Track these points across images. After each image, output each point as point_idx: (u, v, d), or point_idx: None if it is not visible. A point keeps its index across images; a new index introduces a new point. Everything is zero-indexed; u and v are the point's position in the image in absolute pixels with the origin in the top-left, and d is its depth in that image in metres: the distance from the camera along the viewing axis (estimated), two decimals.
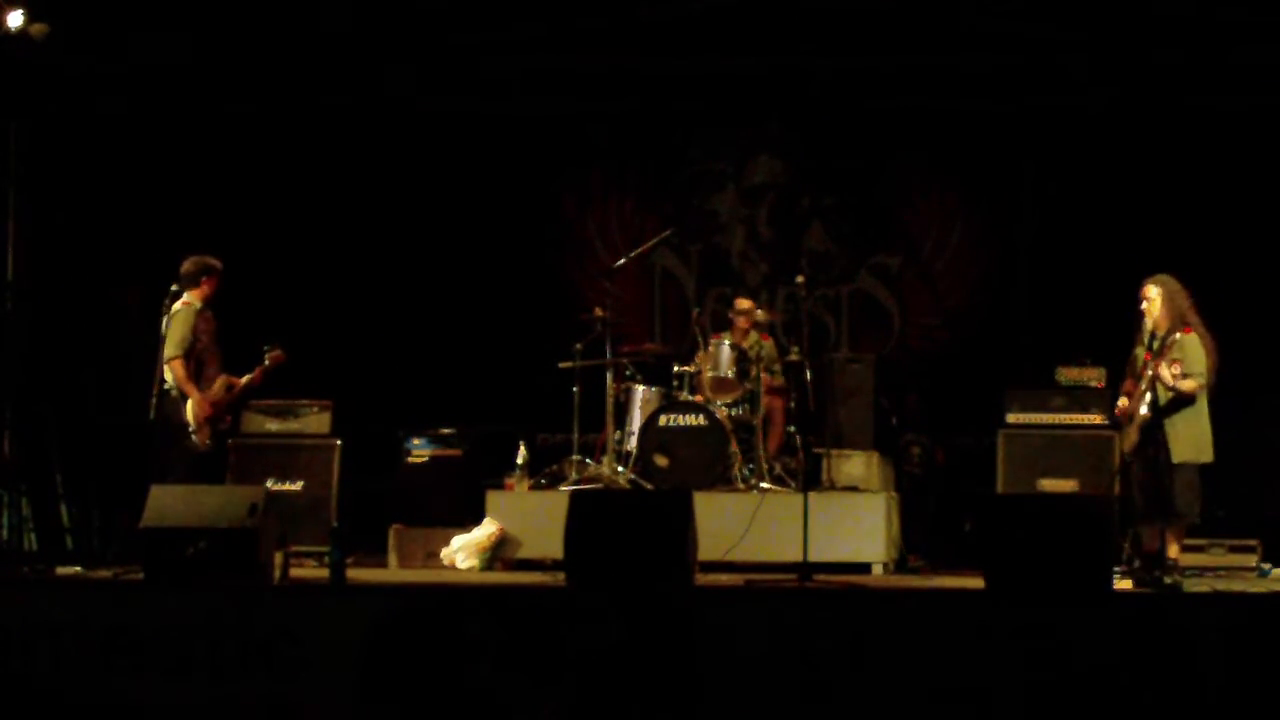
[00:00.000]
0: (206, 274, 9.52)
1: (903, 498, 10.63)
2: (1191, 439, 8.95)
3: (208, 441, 9.40)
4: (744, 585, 8.54)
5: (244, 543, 7.84)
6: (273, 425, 10.67)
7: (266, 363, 9.66)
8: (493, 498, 10.35)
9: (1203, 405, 8.98)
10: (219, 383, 9.48)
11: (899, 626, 7.03)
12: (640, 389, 10.72)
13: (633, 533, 7.80)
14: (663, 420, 10.36)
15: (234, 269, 9.87)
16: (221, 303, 9.60)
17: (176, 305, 9.44)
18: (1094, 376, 10.44)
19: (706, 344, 10.82)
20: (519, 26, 12.03)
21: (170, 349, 9.34)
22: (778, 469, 10.58)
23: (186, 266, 9.53)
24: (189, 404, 9.36)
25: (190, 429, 9.34)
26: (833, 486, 10.36)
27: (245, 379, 9.63)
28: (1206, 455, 8.99)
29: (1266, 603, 7.44)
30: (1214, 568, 9.78)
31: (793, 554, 8.83)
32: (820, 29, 11.94)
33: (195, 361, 9.42)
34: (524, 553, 10.03)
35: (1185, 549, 9.24)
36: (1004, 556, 7.52)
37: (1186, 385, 8.88)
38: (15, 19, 10.14)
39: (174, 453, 9.35)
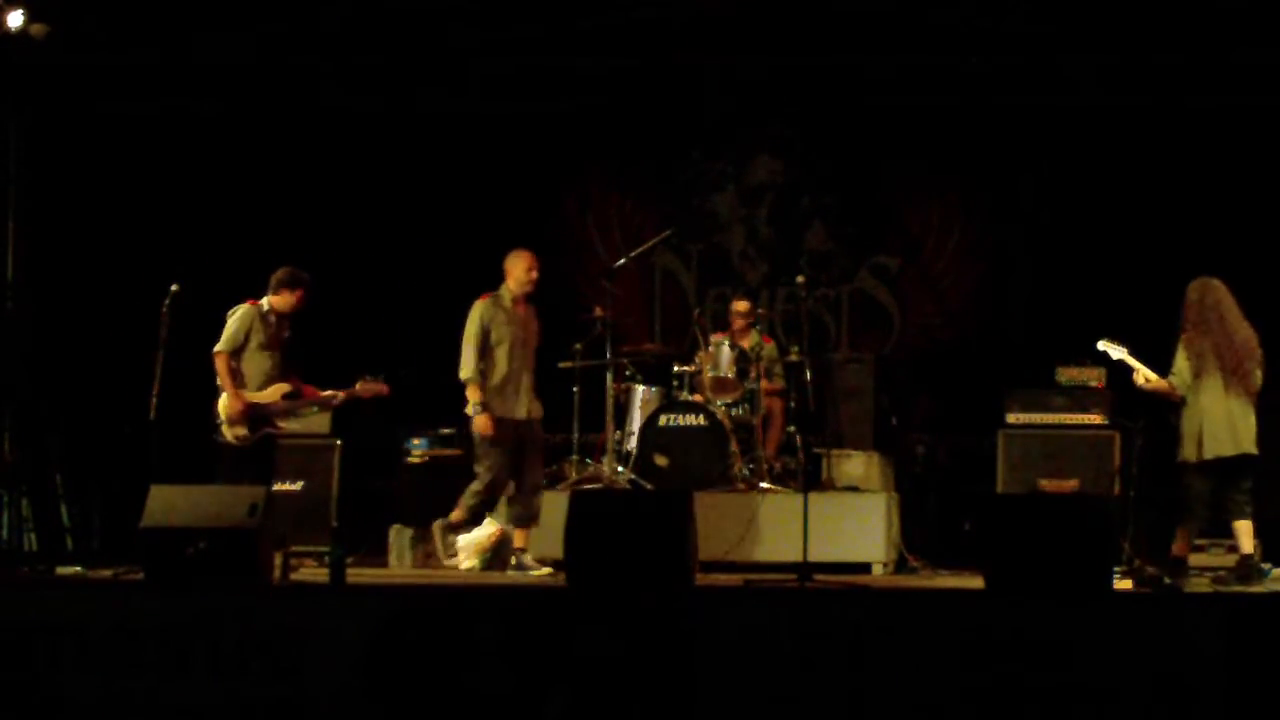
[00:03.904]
0: (286, 284, 9.48)
1: (903, 498, 10.63)
2: (1185, 437, 9.04)
3: (239, 439, 9.39)
4: (744, 585, 8.54)
5: (244, 543, 7.83)
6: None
7: (356, 388, 9.64)
8: None
9: (1195, 403, 9.02)
10: (273, 388, 9.47)
11: (899, 626, 7.02)
12: (640, 389, 10.73)
13: (633, 533, 7.79)
14: (663, 420, 10.37)
15: (233, 269, 9.88)
16: (220, 303, 9.60)
17: (243, 306, 9.47)
18: (1094, 376, 10.44)
19: (707, 344, 10.82)
20: (518, 26, 12.04)
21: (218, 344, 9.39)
22: (778, 469, 10.58)
23: (277, 274, 9.50)
24: (220, 399, 9.39)
25: (217, 422, 9.38)
26: (833, 486, 10.37)
27: (326, 393, 9.63)
28: (1192, 453, 9.02)
29: (1266, 603, 7.44)
30: (1214, 568, 9.76)
31: (793, 554, 8.83)
32: (820, 29, 11.95)
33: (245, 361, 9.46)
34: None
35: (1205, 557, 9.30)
36: (1004, 556, 7.52)
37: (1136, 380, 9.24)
38: (15, 19, 10.15)
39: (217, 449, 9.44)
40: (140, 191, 12.03)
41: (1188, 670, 6.75)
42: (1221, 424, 8.99)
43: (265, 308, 9.48)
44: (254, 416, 9.39)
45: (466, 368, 9.65)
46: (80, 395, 11.54)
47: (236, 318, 9.42)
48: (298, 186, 12.27)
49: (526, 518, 9.72)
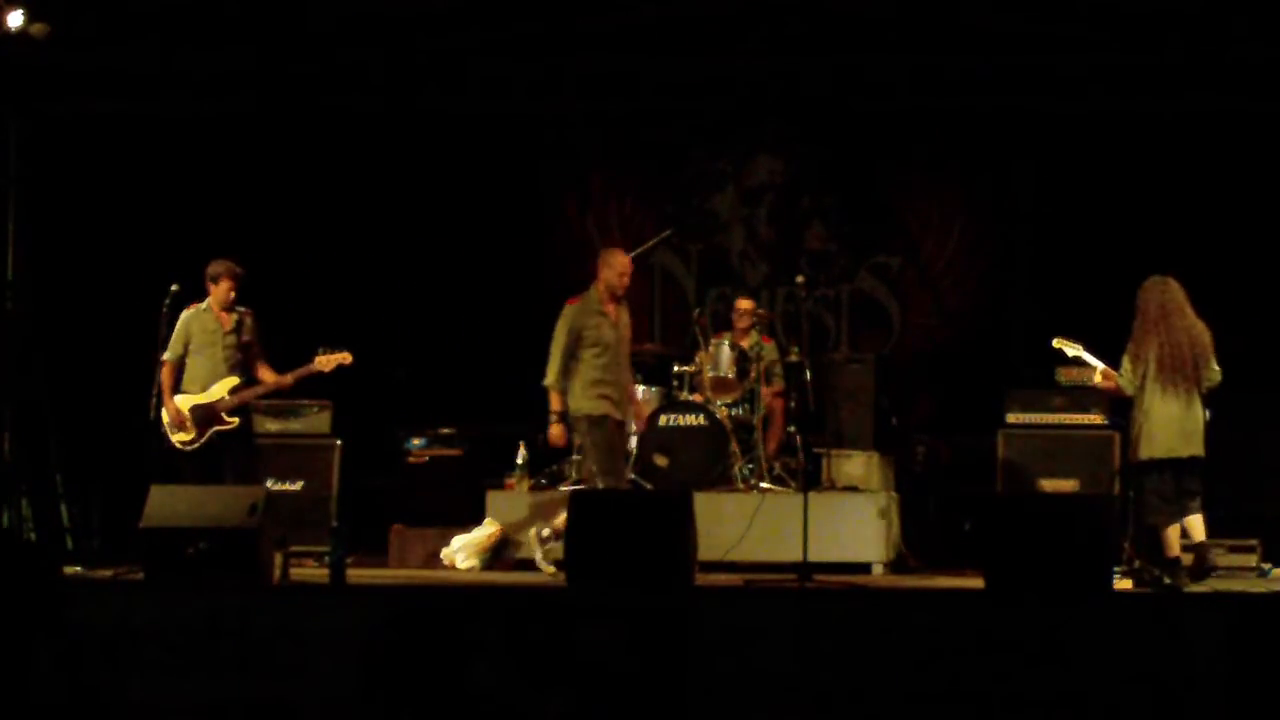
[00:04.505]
0: (210, 278, 9.54)
1: (903, 498, 10.63)
2: (1131, 439, 9.10)
3: (185, 444, 9.37)
4: (744, 585, 8.54)
5: (244, 543, 7.85)
6: (273, 425, 10.67)
7: (315, 362, 9.56)
8: (493, 498, 10.36)
9: (1140, 405, 9.04)
10: (218, 385, 9.46)
11: (899, 626, 7.02)
12: (640, 389, 10.72)
13: (633, 533, 7.80)
14: (663, 420, 10.37)
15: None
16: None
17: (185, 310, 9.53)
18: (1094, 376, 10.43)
19: (707, 344, 10.82)
20: (518, 27, 12.03)
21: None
22: (778, 469, 10.58)
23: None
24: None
25: (162, 430, 9.41)
26: (833, 486, 10.36)
27: (281, 377, 9.59)
28: (1134, 454, 9.07)
29: (1266, 603, 7.45)
30: (1214, 568, 9.76)
31: (793, 554, 8.83)
32: (820, 29, 11.95)
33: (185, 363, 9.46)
34: (524, 553, 10.03)
35: (1185, 549, 9.24)
36: (1004, 556, 7.53)
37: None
38: (15, 19, 10.15)
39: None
40: (140, 191, 12.02)
41: (1188, 670, 6.75)
42: (1160, 426, 8.96)
43: (203, 306, 9.51)
44: (199, 419, 9.38)
45: (550, 374, 9.47)
46: (80, 395, 11.54)
47: (177, 324, 9.46)
48: (297, 186, 12.26)
49: None
